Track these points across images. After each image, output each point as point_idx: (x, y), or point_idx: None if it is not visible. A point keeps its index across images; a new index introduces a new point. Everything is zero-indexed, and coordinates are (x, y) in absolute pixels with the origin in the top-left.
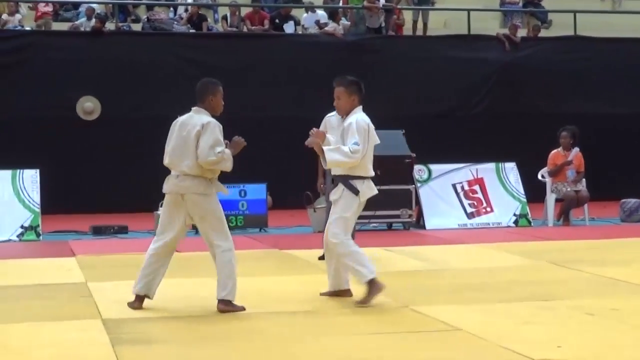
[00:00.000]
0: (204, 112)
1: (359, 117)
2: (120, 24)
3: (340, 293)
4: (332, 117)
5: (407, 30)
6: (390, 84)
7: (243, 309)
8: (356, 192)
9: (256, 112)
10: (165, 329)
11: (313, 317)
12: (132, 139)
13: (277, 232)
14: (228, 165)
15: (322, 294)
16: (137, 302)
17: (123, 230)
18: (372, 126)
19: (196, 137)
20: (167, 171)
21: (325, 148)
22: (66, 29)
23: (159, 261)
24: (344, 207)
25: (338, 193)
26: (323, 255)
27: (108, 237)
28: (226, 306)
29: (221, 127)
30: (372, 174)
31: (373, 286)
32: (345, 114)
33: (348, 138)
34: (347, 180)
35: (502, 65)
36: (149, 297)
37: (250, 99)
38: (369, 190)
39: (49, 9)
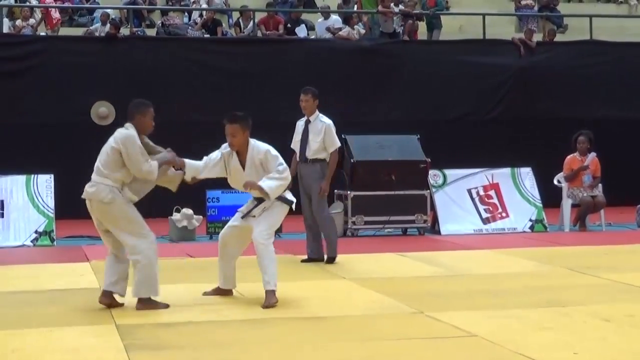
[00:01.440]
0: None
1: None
2: (135, 29)
3: (226, 292)
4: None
5: (422, 34)
6: (405, 89)
7: (166, 306)
8: (290, 202)
9: (270, 117)
10: (179, 335)
11: (327, 323)
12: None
13: (291, 237)
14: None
15: (205, 293)
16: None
17: None
18: None
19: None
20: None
21: (260, 183)
22: (81, 34)
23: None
24: (277, 215)
25: (269, 202)
26: (308, 258)
27: None
28: (145, 304)
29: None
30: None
31: (273, 296)
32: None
33: (269, 163)
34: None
35: (517, 69)
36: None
37: (265, 103)
38: (291, 196)
39: (58, 16)
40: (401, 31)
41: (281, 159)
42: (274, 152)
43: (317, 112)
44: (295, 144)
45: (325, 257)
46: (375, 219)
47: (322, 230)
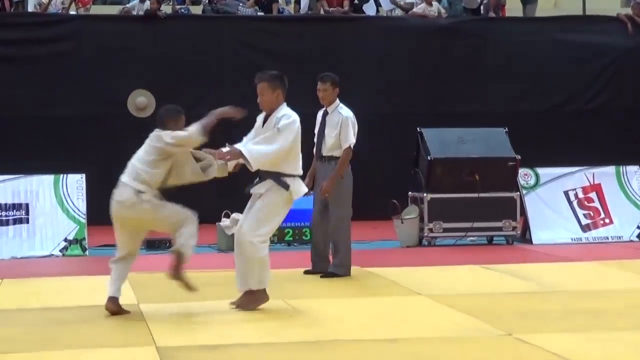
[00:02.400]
0: None
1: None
2: (178, 7)
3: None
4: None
5: (511, 11)
6: (491, 75)
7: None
8: (286, 186)
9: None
10: (226, 358)
11: (400, 347)
12: None
13: (358, 246)
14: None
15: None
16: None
17: None
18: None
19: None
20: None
21: (241, 148)
22: (116, 13)
23: None
24: (270, 207)
25: (265, 187)
26: (310, 270)
27: (163, 252)
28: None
29: None
30: (301, 172)
31: (264, 295)
32: (270, 110)
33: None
34: (278, 177)
35: (623, 51)
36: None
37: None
38: (300, 187)
39: None
40: (485, 6)
41: (292, 122)
42: (291, 116)
43: (337, 102)
44: (315, 138)
45: (330, 269)
46: (456, 226)
47: (332, 237)
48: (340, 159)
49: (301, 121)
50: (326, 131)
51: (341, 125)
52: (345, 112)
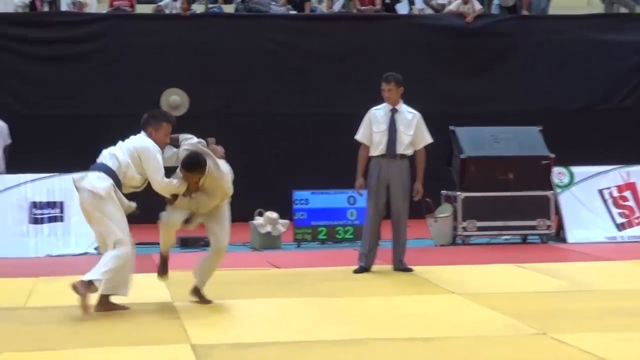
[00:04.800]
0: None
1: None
2: (210, 6)
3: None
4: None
5: (554, 8)
6: (525, 73)
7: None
8: None
9: (366, 106)
10: (262, 357)
11: (433, 345)
12: (224, 138)
13: (390, 245)
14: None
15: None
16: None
17: None
18: None
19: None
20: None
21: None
22: (149, 12)
23: None
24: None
25: None
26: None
27: (197, 250)
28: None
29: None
30: None
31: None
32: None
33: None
34: None
35: None
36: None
37: (358, 90)
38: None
39: None
40: (519, 4)
41: None
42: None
43: (401, 100)
44: (375, 136)
45: (400, 265)
46: (490, 225)
47: (399, 236)
48: (421, 156)
49: (335, 120)
50: (400, 129)
51: (417, 124)
52: (415, 110)
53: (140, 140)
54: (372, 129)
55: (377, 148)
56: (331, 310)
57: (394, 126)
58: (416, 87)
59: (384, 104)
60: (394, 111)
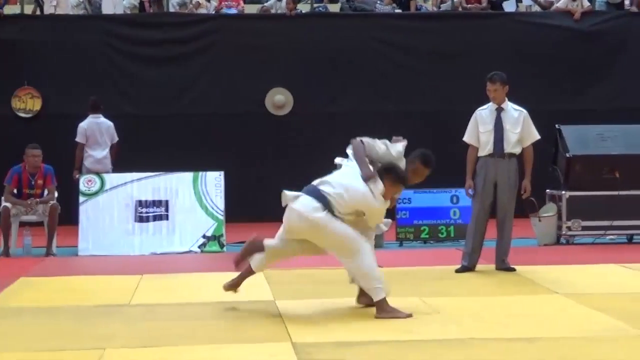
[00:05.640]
0: None
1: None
2: (316, 5)
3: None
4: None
5: None
6: (633, 71)
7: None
8: None
9: (469, 105)
10: (364, 355)
11: (538, 346)
12: (328, 137)
13: (493, 244)
14: None
15: None
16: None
17: None
18: None
19: None
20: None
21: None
22: (255, 12)
23: None
24: None
25: None
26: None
27: None
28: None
29: None
30: None
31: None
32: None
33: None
34: None
35: None
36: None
37: (465, 88)
38: None
39: None
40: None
41: None
42: None
43: (506, 99)
44: (482, 136)
45: (503, 264)
46: (595, 224)
47: (504, 235)
48: (529, 154)
49: (441, 118)
50: (507, 127)
51: (524, 122)
52: (521, 108)
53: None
54: (479, 129)
55: (485, 148)
56: (434, 310)
57: (500, 125)
58: (522, 84)
59: (490, 104)
60: (499, 110)
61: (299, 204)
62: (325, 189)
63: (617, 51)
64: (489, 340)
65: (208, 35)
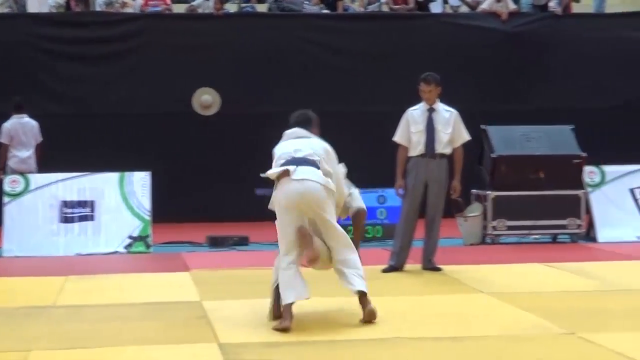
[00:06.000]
0: None
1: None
2: (243, 5)
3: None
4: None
5: (578, 7)
6: (558, 72)
7: None
8: None
9: (395, 106)
10: (292, 356)
11: (463, 345)
12: (256, 137)
13: (420, 244)
14: None
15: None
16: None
17: (243, 241)
18: None
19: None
20: None
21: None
22: (182, 12)
23: None
24: None
25: None
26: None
27: (226, 249)
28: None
29: None
30: None
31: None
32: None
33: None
34: None
35: None
36: None
37: (391, 90)
38: None
39: None
40: (556, 2)
41: None
42: None
43: (437, 99)
44: (413, 136)
45: (429, 264)
46: (520, 224)
47: (432, 235)
48: (459, 155)
49: (367, 119)
50: (439, 128)
51: (455, 122)
52: (452, 108)
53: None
54: (410, 129)
55: (416, 148)
56: (360, 310)
57: (431, 125)
58: (447, 85)
59: (421, 104)
60: (431, 110)
61: (316, 176)
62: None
63: (542, 52)
64: (416, 339)
65: (135, 35)
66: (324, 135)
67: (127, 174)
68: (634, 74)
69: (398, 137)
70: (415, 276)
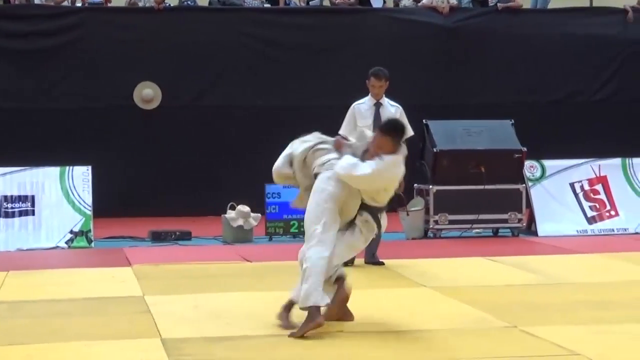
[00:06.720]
0: None
1: None
2: None
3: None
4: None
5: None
6: (498, 67)
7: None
8: None
9: (337, 100)
10: (234, 351)
11: (406, 339)
12: (198, 131)
13: None
14: None
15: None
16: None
17: (186, 236)
18: None
19: None
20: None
21: None
22: (123, 5)
23: None
24: None
25: None
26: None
27: (169, 244)
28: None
29: None
30: None
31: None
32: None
33: None
34: None
35: (630, 43)
36: None
37: (333, 84)
38: None
39: None
40: None
41: None
42: None
43: (383, 94)
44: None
45: (372, 258)
46: (462, 218)
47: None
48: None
49: (309, 113)
50: None
51: (400, 117)
52: (397, 104)
53: None
54: (358, 123)
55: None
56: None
57: (379, 120)
58: (390, 80)
59: (367, 98)
60: (378, 105)
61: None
62: None
63: (483, 47)
64: (358, 333)
65: (76, 28)
66: (265, 129)
67: (68, 168)
68: (574, 69)
69: (344, 131)
70: (357, 270)
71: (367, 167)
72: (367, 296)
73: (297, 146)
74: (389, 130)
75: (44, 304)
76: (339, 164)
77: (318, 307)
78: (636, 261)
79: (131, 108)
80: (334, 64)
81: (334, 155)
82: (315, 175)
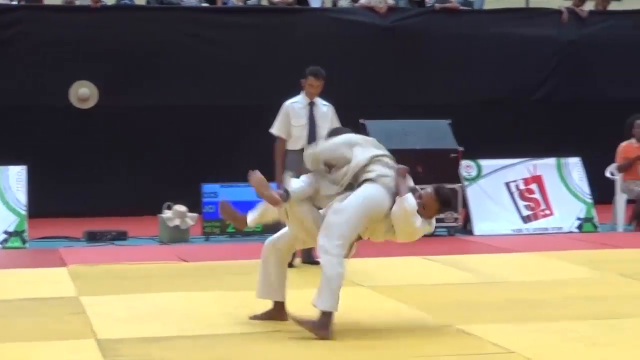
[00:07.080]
0: None
1: None
2: None
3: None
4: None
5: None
6: (434, 67)
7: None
8: None
9: (274, 100)
10: (170, 351)
11: (342, 338)
12: (134, 131)
13: None
14: None
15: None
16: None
17: (122, 236)
18: None
19: None
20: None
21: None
22: (59, 3)
23: None
24: None
25: None
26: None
27: (104, 244)
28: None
29: None
30: None
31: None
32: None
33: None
34: None
35: (565, 44)
36: None
37: (270, 84)
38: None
39: None
40: None
41: None
42: None
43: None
44: (295, 130)
45: (309, 258)
46: None
47: None
48: None
49: (246, 112)
50: (319, 123)
51: (331, 117)
52: (328, 103)
53: None
54: (291, 122)
55: (297, 142)
56: (240, 304)
57: (313, 119)
58: (327, 79)
59: (300, 97)
60: (312, 104)
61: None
62: None
63: (420, 47)
64: (293, 332)
65: (10, 26)
66: (203, 128)
67: (2, 168)
68: (510, 70)
69: (277, 130)
70: (294, 270)
71: (419, 222)
72: (303, 296)
73: (359, 151)
74: (445, 201)
75: None
76: (410, 201)
77: (331, 316)
78: (570, 260)
79: (67, 107)
80: (272, 64)
81: (390, 172)
82: (360, 183)
